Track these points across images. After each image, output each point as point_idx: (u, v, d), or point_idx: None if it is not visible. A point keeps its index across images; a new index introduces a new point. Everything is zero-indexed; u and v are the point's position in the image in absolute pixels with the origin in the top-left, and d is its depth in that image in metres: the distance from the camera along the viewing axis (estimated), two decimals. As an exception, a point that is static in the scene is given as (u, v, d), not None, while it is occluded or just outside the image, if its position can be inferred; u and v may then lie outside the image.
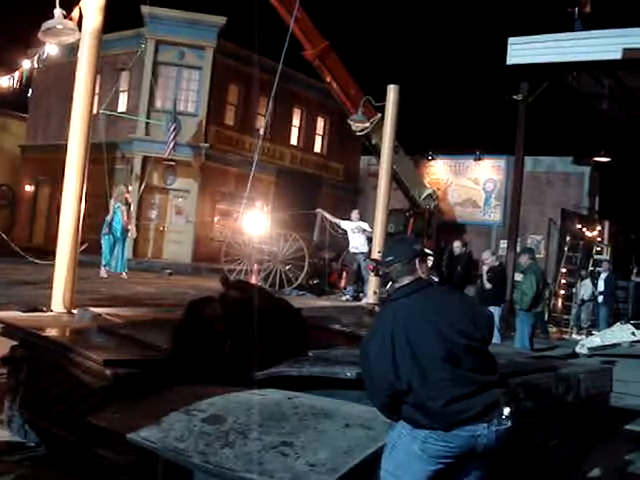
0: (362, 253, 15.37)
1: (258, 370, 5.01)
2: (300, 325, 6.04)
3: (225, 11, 24.06)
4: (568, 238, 20.59)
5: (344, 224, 16.18)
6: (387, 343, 3.40)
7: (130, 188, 17.35)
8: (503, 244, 23.00)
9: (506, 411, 3.40)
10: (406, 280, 3.62)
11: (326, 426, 3.89)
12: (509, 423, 3.40)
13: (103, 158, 17.07)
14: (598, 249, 21.67)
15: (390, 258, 3.68)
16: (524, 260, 12.19)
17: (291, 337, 5.66)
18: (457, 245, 16.62)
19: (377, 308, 12.80)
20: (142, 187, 23.52)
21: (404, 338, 3.38)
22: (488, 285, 12.52)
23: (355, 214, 16.22)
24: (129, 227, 15.88)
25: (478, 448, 3.33)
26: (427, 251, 3.80)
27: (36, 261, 10.99)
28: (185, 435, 3.87)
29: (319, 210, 17.42)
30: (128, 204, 16.03)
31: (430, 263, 3.75)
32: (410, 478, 3.34)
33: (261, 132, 20.45)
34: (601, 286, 17.76)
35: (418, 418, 3.33)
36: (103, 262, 15.31)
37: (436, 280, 3.69)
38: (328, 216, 16.86)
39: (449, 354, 3.36)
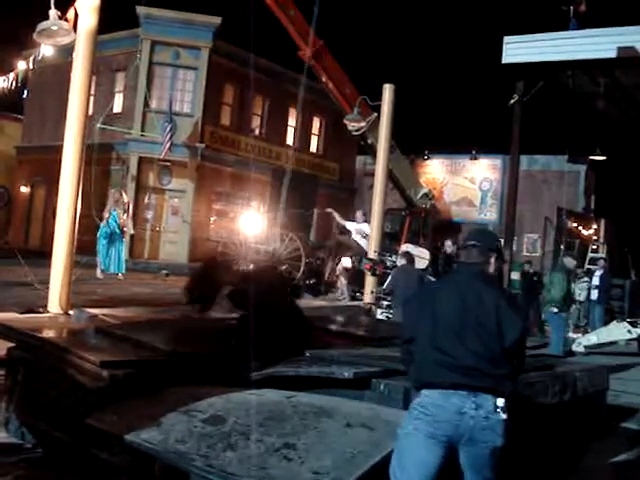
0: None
1: (260, 349, 5.11)
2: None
3: (220, 11, 24.08)
4: (564, 237, 20.61)
5: (348, 225, 16.17)
6: (415, 302, 3.93)
7: (124, 193, 17.26)
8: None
9: (499, 402, 3.47)
10: (471, 261, 3.88)
11: (327, 426, 3.89)
12: (503, 415, 3.46)
13: (98, 159, 17.02)
14: (594, 247, 21.71)
15: (472, 242, 3.92)
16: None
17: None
18: (448, 244, 16.55)
19: (373, 308, 12.80)
20: (138, 188, 23.50)
21: (431, 306, 3.71)
22: None
23: (360, 215, 16.17)
24: (125, 228, 15.84)
25: (464, 429, 3.43)
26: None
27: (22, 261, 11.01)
28: (186, 437, 3.84)
29: (330, 210, 17.37)
30: (124, 208, 15.97)
31: (494, 263, 3.93)
32: (411, 462, 3.47)
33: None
34: (595, 281, 17.74)
35: (413, 373, 3.72)
36: (101, 266, 15.31)
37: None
38: (337, 217, 16.84)
39: (459, 331, 3.57)
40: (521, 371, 3.82)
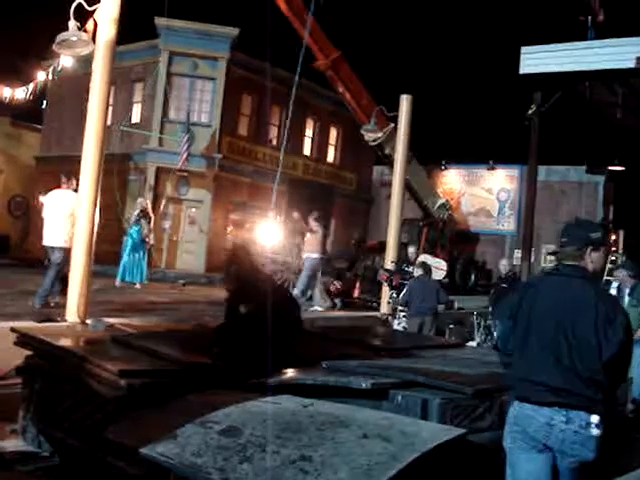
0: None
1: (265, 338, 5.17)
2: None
3: (238, 22, 24.18)
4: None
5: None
6: (514, 302, 3.74)
7: (148, 203, 17.40)
8: (517, 254, 22.90)
9: (594, 418, 3.38)
10: (567, 262, 3.71)
11: (343, 436, 3.85)
12: (595, 431, 3.37)
13: (117, 169, 17.15)
14: (613, 259, 21.53)
15: (564, 240, 3.76)
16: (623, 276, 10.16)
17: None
18: (503, 264, 15.21)
19: (390, 319, 12.77)
20: (156, 198, 23.60)
21: (527, 311, 3.62)
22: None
23: (312, 221, 15.41)
24: (147, 239, 15.94)
25: (554, 441, 3.39)
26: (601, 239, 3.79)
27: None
28: (202, 449, 3.81)
29: (296, 215, 17.18)
30: (148, 217, 16.08)
31: (602, 253, 3.75)
32: (520, 475, 3.52)
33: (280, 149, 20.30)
34: (613, 292, 17.51)
35: (509, 378, 3.69)
36: (121, 276, 15.41)
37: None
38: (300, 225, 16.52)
39: (551, 344, 3.47)
40: (619, 384, 3.67)
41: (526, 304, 3.63)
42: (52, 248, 10.62)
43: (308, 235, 15.22)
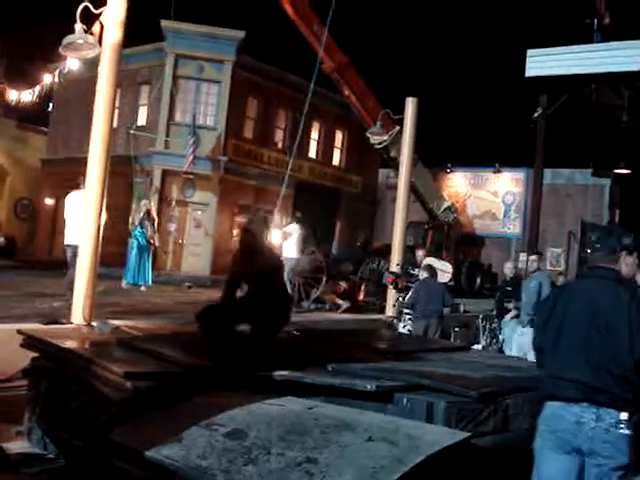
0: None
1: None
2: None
3: (244, 25, 24.22)
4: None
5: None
6: (543, 311, 3.88)
7: (153, 206, 17.43)
8: (522, 257, 22.85)
9: (623, 415, 3.39)
10: (601, 265, 3.79)
11: (348, 439, 3.85)
12: (626, 431, 3.37)
13: (123, 171, 17.18)
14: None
15: (597, 245, 3.86)
16: None
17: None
18: (508, 267, 14.97)
19: (395, 321, 12.76)
20: (161, 200, 23.65)
21: (562, 312, 3.68)
22: None
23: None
24: (151, 240, 15.96)
25: (583, 439, 3.38)
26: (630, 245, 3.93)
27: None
28: (207, 452, 3.82)
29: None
30: (152, 219, 16.11)
31: (635, 258, 3.90)
32: (546, 476, 3.55)
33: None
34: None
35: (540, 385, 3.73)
36: (127, 278, 15.45)
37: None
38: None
39: (584, 343, 3.51)
40: None
41: (560, 306, 3.71)
42: (75, 246, 10.82)
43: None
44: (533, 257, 11.22)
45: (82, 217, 10.38)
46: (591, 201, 26.42)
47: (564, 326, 3.59)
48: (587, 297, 3.63)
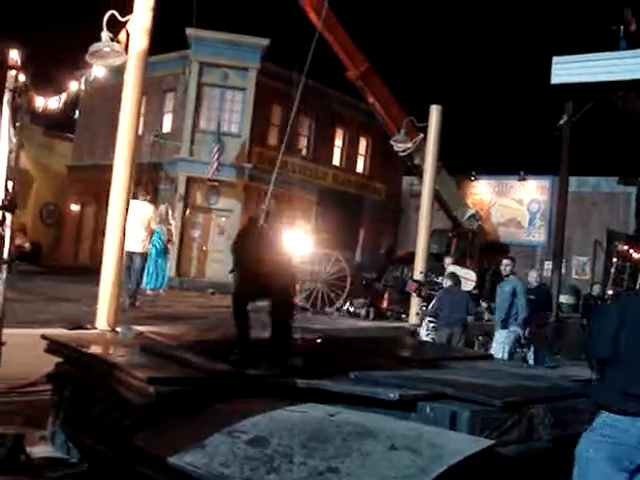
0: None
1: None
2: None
3: (268, 33, 24.28)
4: (615, 259, 20.21)
5: None
6: (613, 319, 3.61)
7: (170, 210, 17.44)
8: (548, 265, 22.68)
9: None
10: None
11: (370, 447, 3.83)
12: None
13: (148, 178, 17.24)
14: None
15: None
16: None
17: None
18: (533, 276, 14.59)
19: (418, 329, 12.70)
20: (186, 207, 23.75)
21: (630, 325, 3.54)
22: None
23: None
24: (168, 246, 15.97)
25: None
26: None
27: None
28: (230, 459, 3.80)
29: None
30: (168, 223, 16.11)
31: None
32: None
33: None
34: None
35: (599, 391, 3.62)
36: (146, 284, 15.47)
37: None
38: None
39: None
40: None
41: (630, 317, 3.58)
42: (133, 253, 12.41)
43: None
44: (506, 261, 11.22)
45: (140, 226, 12.37)
46: (617, 209, 26.16)
47: (628, 340, 3.48)
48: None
